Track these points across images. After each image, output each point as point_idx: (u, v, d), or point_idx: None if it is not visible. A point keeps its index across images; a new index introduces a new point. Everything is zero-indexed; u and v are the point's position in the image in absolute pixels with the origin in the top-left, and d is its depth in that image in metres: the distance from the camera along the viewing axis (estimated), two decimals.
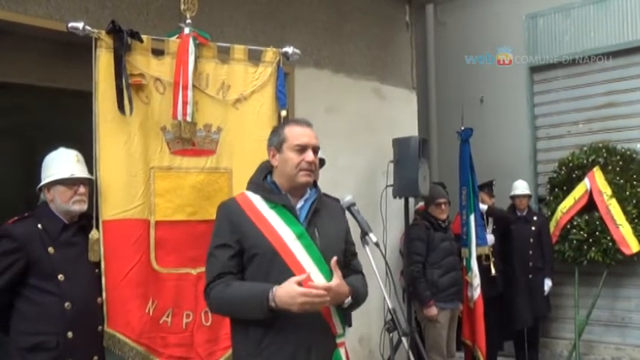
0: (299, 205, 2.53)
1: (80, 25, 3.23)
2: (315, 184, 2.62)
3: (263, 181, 2.58)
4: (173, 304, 3.38)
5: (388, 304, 2.51)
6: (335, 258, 2.40)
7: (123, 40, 3.28)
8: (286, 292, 2.27)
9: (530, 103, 7.43)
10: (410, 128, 6.26)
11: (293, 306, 2.26)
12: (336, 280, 2.36)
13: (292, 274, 2.35)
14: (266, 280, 2.36)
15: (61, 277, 2.95)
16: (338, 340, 2.51)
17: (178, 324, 3.39)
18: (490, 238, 6.04)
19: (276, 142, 2.56)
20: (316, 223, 2.51)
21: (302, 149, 2.48)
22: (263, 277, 2.39)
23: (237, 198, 2.57)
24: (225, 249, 2.44)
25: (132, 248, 3.27)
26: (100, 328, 3.13)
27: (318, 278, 2.40)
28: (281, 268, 2.39)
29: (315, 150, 2.52)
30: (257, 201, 2.51)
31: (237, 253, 2.43)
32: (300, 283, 2.28)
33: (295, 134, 2.51)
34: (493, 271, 5.92)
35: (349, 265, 2.63)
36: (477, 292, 5.61)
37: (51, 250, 2.96)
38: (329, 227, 2.53)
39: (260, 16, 5.06)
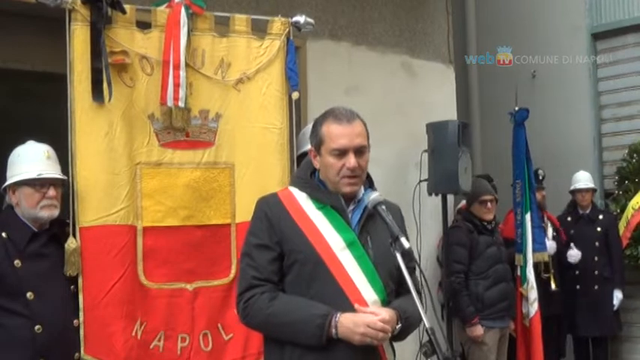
0: (350, 207, 2.56)
1: None
2: (371, 184, 2.63)
3: (311, 177, 2.60)
4: (165, 326, 3.38)
5: (425, 322, 2.48)
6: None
7: (102, 11, 3.28)
8: (352, 320, 2.35)
9: (593, 78, 7.35)
10: (447, 111, 6.20)
11: (355, 335, 2.34)
12: (390, 312, 2.42)
13: (338, 287, 2.42)
14: (308, 293, 2.42)
15: (29, 295, 2.95)
16: None
17: (172, 349, 3.40)
18: (551, 245, 6.01)
19: (314, 142, 2.57)
20: (369, 230, 2.53)
21: (341, 153, 2.48)
22: (305, 288, 2.44)
23: (279, 194, 2.60)
24: (265, 250, 2.46)
25: (115, 260, 3.28)
26: (76, 355, 3.13)
27: (369, 294, 2.45)
28: (325, 280, 2.43)
29: (360, 150, 2.51)
30: (303, 199, 2.54)
31: (278, 257, 2.46)
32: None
33: (333, 135, 2.49)
34: (553, 285, 5.87)
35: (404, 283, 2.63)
36: (533, 308, 5.53)
37: (17, 263, 2.97)
38: (384, 235, 2.51)
39: None
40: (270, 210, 2.51)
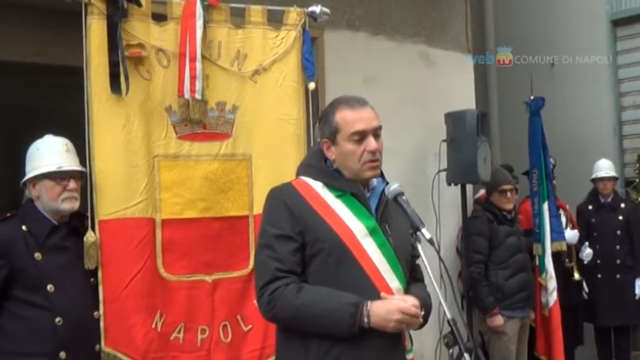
0: (366, 195, 2.56)
1: None
2: (381, 174, 2.63)
3: (324, 165, 2.58)
4: (185, 318, 3.39)
5: (447, 313, 2.46)
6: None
7: (118, 4, 3.28)
8: (384, 307, 2.34)
9: (614, 65, 7.27)
10: (466, 100, 6.17)
11: (390, 322, 2.34)
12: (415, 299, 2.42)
13: (366, 276, 2.41)
14: (335, 282, 2.39)
15: (50, 287, 2.97)
16: (408, 356, 2.54)
17: (192, 341, 3.41)
18: (573, 234, 6.00)
19: (327, 132, 2.54)
20: (387, 218, 2.53)
21: (361, 137, 2.47)
22: (331, 278, 2.40)
23: (293, 183, 2.57)
24: (287, 241, 2.42)
25: (134, 252, 3.29)
26: (97, 347, 3.16)
27: (394, 282, 2.46)
28: (353, 268, 2.41)
29: (377, 133, 2.50)
30: (319, 188, 2.52)
31: (300, 247, 2.43)
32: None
33: (349, 120, 2.48)
34: (577, 275, 5.82)
35: (413, 271, 2.66)
36: (552, 298, 5.52)
37: (38, 256, 2.99)
38: (399, 224, 2.54)
39: None
40: (289, 199, 2.48)
